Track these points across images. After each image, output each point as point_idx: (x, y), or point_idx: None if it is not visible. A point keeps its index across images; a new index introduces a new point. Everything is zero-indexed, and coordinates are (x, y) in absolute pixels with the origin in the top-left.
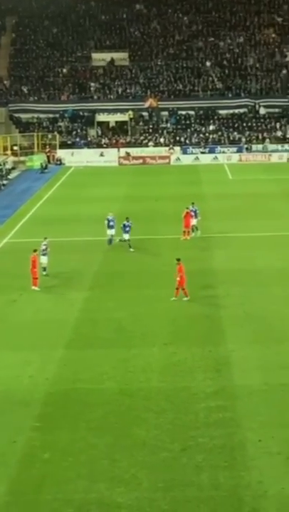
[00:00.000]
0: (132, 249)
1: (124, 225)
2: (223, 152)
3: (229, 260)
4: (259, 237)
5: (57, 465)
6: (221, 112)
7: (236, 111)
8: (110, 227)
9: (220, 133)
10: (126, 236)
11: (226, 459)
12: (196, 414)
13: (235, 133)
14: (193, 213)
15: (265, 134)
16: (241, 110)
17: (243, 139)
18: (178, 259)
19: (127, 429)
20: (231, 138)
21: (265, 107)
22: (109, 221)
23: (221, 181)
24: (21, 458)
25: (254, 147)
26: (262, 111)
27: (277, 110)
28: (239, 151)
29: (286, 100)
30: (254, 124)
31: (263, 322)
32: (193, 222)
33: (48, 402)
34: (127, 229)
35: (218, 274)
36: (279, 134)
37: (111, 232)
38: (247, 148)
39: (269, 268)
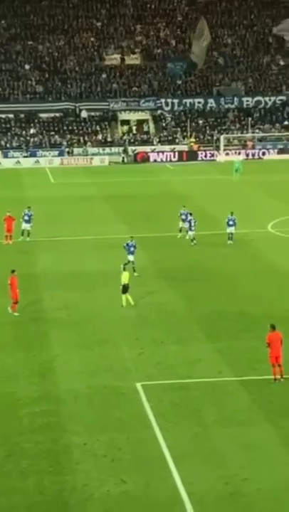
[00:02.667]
0: (136, 274)
1: (127, 245)
2: (45, 156)
3: (53, 264)
4: (83, 240)
5: None
6: (42, 115)
7: (57, 114)
8: None
9: (41, 136)
10: (130, 257)
11: (51, 463)
12: (20, 419)
13: (57, 136)
14: (27, 218)
15: (86, 138)
16: (62, 114)
17: (65, 143)
18: (12, 271)
19: None
20: (52, 141)
21: (86, 110)
22: None
23: (43, 185)
24: None
25: (76, 151)
26: (83, 114)
27: (98, 114)
28: (61, 154)
29: (106, 104)
30: (75, 128)
31: (87, 325)
32: (27, 227)
33: None
34: (132, 249)
35: (43, 278)
36: (100, 137)
37: None
38: (68, 152)
39: (93, 271)
